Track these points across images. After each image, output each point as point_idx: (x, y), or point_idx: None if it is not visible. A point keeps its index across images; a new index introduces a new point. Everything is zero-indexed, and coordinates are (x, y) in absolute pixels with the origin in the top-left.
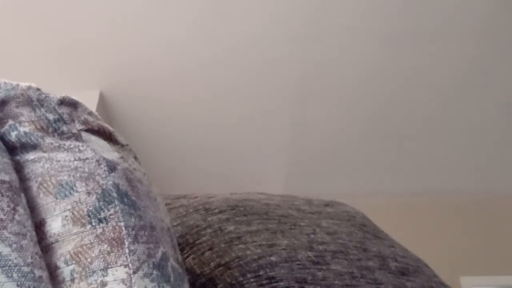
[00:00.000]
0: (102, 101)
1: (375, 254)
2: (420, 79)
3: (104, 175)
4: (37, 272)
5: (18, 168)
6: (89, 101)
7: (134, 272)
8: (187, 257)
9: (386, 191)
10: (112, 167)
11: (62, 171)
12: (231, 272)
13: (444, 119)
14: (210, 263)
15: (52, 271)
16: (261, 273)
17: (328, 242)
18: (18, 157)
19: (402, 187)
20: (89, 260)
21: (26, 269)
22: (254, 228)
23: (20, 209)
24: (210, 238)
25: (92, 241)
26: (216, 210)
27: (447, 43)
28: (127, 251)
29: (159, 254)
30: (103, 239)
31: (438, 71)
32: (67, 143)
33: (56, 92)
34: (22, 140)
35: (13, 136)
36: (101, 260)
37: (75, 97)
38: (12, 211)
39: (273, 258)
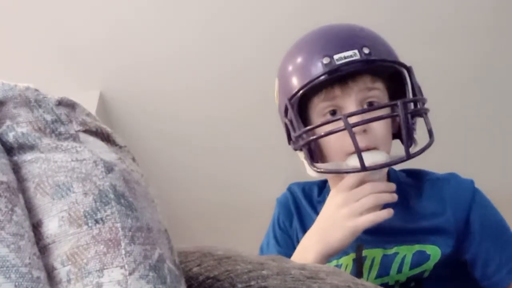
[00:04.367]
0: (102, 102)
1: None
2: (422, 79)
3: (101, 176)
4: (35, 273)
5: (16, 168)
6: (89, 102)
7: (130, 274)
8: None
9: None
10: (109, 168)
11: (59, 171)
12: (220, 284)
13: (445, 120)
14: (198, 277)
15: (50, 272)
16: (252, 283)
17: (321, 266)
18: (15, 158)
19: None
20: (85, 261)
21: (24, 269)
22: (245, 254)
23: (18, 210)
24: (199, 257)
25: (88, 242)
26: (209, 245)
27: (452, 42)
28: (123, 252)
29: (155, 256)
30: (99, 240)
31: (441, 70)
32: (65, 143)
33: (56, 92)
34: (20, 141)
35: (10, 136)
36: (97, 261)
37: (75, 97)
38: (10, 212)
39: (264, 272)
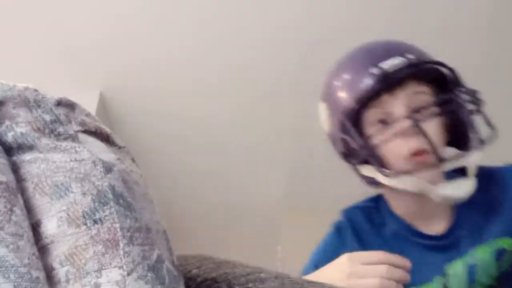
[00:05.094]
0: (102, 102)
1: None
2: None
3: (100, 176)
4: (34, 273)
5: (15, 168)
6: (89, 102)
7: (128, 274)
8: None
9: None
10: (108, 169)
11: (58, 172)
12: (218, 285)
13: None
14: (196, 279)
15: (48, 272)
16: (250, 285)
17: None
18: (14, 158)
19: None
20: (83, 261)
21: (23, 269)
22: (245, 262)
23: (17, 210)
24: (198, 260)
25: (86, 242)
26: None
27: (451, 42)
28: (121, 252)
29: (154, 256)
30: (98, 240)
31: None
32: (64, 144)
33: (56, 92)
34: (19, 141)
35: (9, 136)
36: (96, 262)
37: (75, 97)
38: (9, 212)
39: (262, 275)
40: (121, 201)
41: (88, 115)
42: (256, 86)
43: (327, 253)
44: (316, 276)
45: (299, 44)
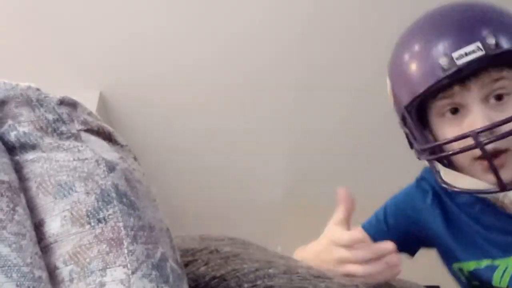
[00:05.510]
0: (102, 102)
1: None
2: None
3: (103, 175)
4: (37, 272)
5: (18, 168)
6: (89, 102)
7: (132, 273)
8: None
9: (389, 191)
10: (111, 167)
11: (61, 171)
12: (227, 283)
13: None
14: (205, 276)
15: (52, 271)
16: (258, 282)
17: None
18: (17, 157)
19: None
20: (87, 260)
21: (25, 269)
22: (251, 251)
23: (20, 209)
24: (206, 255)
25: (91, 241)
26: (213, 237)
27: None
28: (125, 251)
29: (158, 255)
30: (102, 239)
31: None
32: (66, 143)
33: (56, 92)
34: (21, 140)
35: (12, 136)
36: (100, 260)
37: (75, 97)
38: (12, 211)
39: (271, 271)
40: (124, 200)
41: (90, 114)
42: (256, 86)
43: (407, 203)
44: (312, 250)
45: (300, 44)
